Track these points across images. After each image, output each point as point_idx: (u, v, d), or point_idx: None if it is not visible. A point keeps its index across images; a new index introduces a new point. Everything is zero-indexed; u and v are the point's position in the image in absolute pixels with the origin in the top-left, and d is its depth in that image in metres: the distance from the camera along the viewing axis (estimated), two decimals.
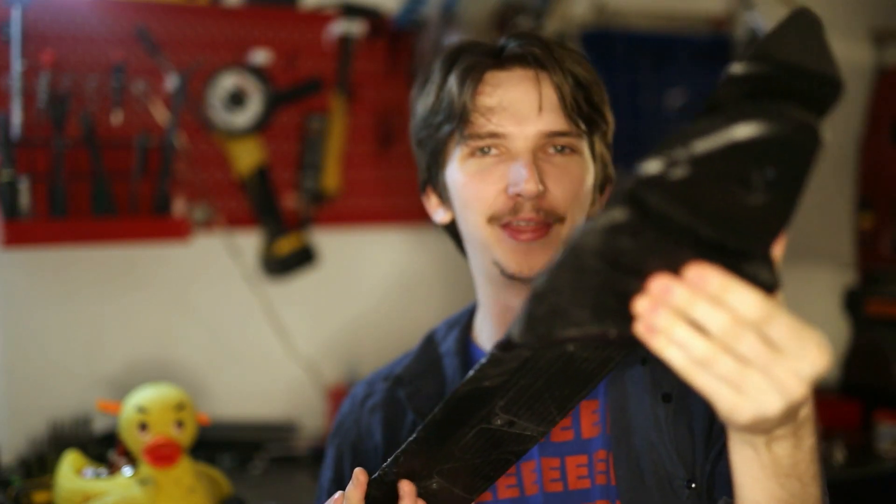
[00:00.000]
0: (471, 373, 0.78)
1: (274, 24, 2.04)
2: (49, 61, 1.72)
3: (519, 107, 0.98)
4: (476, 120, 0.98)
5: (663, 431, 0.95)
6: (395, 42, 2.15)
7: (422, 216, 2.23)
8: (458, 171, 1.01)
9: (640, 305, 0.61)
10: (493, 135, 0.98)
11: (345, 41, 2.06)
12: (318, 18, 2.08)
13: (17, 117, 1.69)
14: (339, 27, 2.05)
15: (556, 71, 0.98)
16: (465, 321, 1.12)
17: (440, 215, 1.09)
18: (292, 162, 2.09)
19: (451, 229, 1.09)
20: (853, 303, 2.51)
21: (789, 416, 0.63)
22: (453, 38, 2.04)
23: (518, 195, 0.97)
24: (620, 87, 2.26)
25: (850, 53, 2.73)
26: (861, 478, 2.01)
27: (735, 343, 0.59)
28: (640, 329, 0.61)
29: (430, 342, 1.13)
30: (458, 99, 0.99)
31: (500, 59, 1.01)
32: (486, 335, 1.08)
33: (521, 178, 0.96)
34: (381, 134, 2.17)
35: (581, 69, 1.00)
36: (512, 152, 0.98)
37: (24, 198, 1.71)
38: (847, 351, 2.49)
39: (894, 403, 2.21)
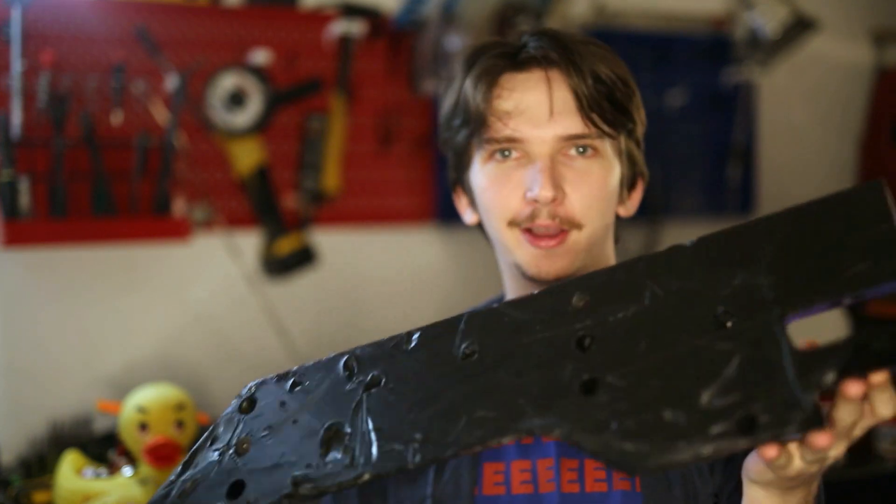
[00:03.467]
0: None
1: (274, 24, 2.04)
2: (49, 61, 1.72)
3: (535, 110, 0.97)
4: (493, 124, 0.98)
5: None
6: (395, 42, 2.15)
7: (421, 216, 2.25)
8: (479, 173, 1.01)
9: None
10: (511, 139, 0.98)
11: (345, 41, 2.06)
12: (318, 18, 2.08)
13: (17, 117, 1.69)
14: (339, 27, 2.05)
15: (573, 71, 0.96)
16: None
17: (469, 216, 1.08)
18: (292, 162, 2.09)
19: (481, 229, 1.09)
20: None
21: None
22: (453, 39, 2.05)
23: (535, 200, 0.96)
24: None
25: (850, 53, 2.74)
26: (861, 478, 2.01)
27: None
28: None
29: None
30: (473, 102, 0.98)
31: (516, 61, 0.99)
32: None
33: (537, 183, 0.95)
34: (381, 134, 2.17)
35: (605, 67, 0.98)
36: (531, 156, 0.98)
37: (24, 198, 1.71)
38: None
39: None
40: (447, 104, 1.04)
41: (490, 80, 0.98)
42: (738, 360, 0.64)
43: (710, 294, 0.67)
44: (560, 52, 0.97)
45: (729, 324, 0.65)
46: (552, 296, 0.73)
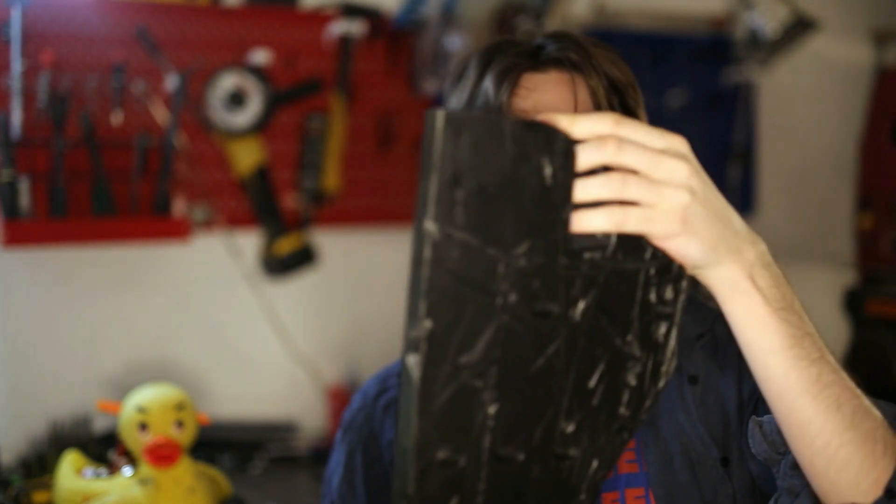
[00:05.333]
0: None
1: (274, 24, 2.04)
2: (49, 61, 1.72)
3: (554, 111, 0.95)
4: None
5: (692, 413, 0.95)
6: (395, 42, 2.15)
7: None
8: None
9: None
10: None
11: (345, 41, 2.06)
12: (318, 18, 2.08)
13: (17, 117, 1.69)
14: (339, 27, 2.05)
15: (591, 74, 0.97)
16: None
17: None
18: (292, 162, 2.09)
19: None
20: (853, 303, 2.51)
21: (726, 237, 0.72)
22: (453, 39, 2.05)
23: None
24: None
25: (850, 53, 2.74)
26: None
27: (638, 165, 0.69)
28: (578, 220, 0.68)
29: None
30: (494, 100, 0.98)
31: (536, 62, 0.99)
32: None
33: None
34: (381, 134, 2.17)
35: (617, 71, 0.99)
36: None
37: (24, 198, 1.71)
38: (847, 351, 2.49)
39: (894, 403, 2.21)
40: (458, 98, 1.03)
41: (513, 78, 0.98)
42: None
43: None
44: (580, 56, 0.98)
45: None
46: None
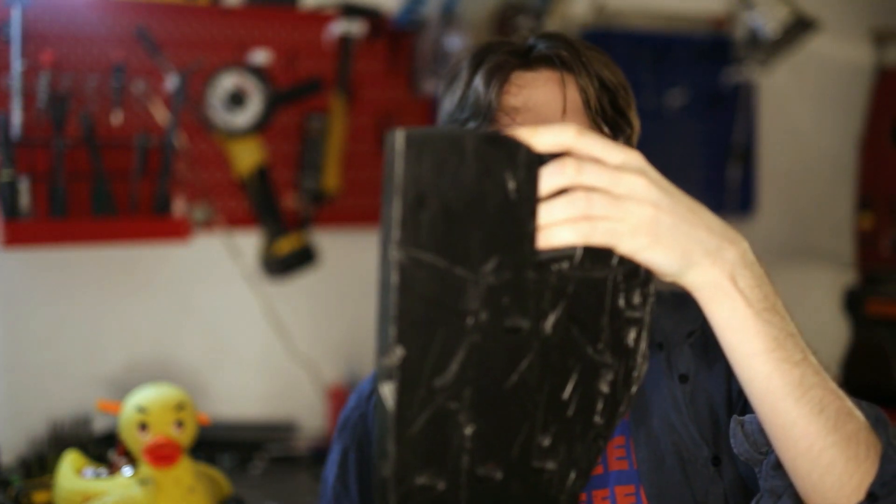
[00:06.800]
0: None
1: (274, 24, 2.04)
2: (49, 61, 1.72)
3: (544, 108, 0.97)
4: (501, 119, 0.98)
5: (682, 412, 0.95)
6: (395, 42, 2.15)
7: None
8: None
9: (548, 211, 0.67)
10: None
11: (345, 41, 2.06)
12: (318, 18, 2.08)
13: (17, 117, 1.69)
14: (339, 27, 2.05)
15: (582, 74, 0.98)
16: None
17: None
18: (292, 162, 2.09)
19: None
20: (853, 303, 2.51)
21: (704, 246, 0.72)
22: (453, 39, 2.05)
23: None
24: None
25: (850, 53, 2.74)
26: None
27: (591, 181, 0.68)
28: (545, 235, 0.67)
29: None
30: (483, 97, 0.98)
31: (527, 60, 1.00)
32: None
33: None
34: (381, 134, 2.17)
35: (608, 72, 1.00)
36: None
37: (24, 198, 1.71)
38: (847, 351, 2.49)
39: (894, 403, 2.21)
40: (451, 99, 1.04)
41: (502, 76, 0.98)
42: None
43: None
44: (571, 55, 0.98)
45: None
46: None
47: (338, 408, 2.04)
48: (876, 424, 0.79)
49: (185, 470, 1.24)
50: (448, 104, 1.05)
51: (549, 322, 0.68)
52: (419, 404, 0.62)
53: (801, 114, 2.74)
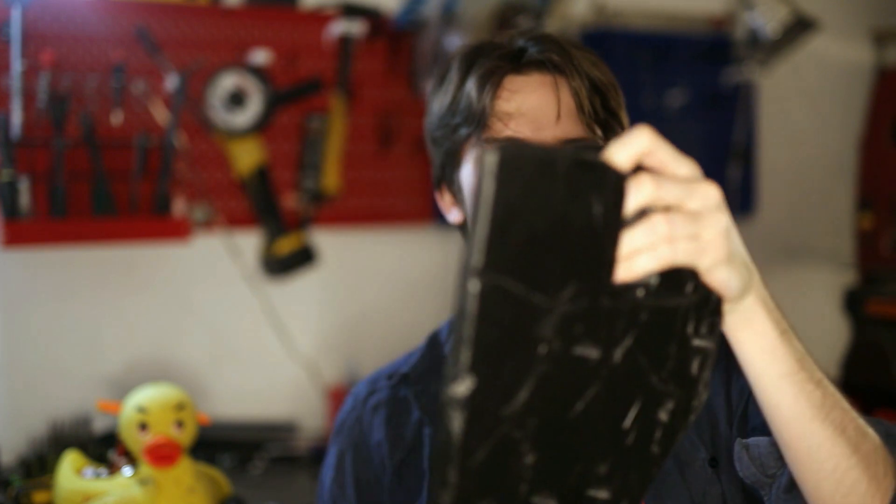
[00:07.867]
0: None
1: (274, 24, 2.04)
2: (49, 61, 1.72)
3: (537, 113, 0.97)
4: (494, 125, 0.98)
5: None
6: (395, 42, 2.15)
7: (421, 216, 2.25)
8: (473, 172, 1.01)
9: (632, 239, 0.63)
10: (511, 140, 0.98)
11: (345, 41, 2.06)
12: (318, 18, 2.08)
13: (17, 117, 1.69)
14: (339, 27, 2.05)
15: (574, 77, 0.97)
16: None
17: (454, 215, 1.08)
18: (292, 162, 2.09)
19: (464, 230, 1.08)
20: (853, 303, 2.51)
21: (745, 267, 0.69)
22: (454, 39, 2.04)
23: None
24: (620, 87, 2.26)
25: (850, 53, 2.74)
26: None
27: (685, 202, 0.64)
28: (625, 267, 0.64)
29: (434, 342, 1.13)
30: (476, 103, 0.98)
31: (518, 64, 1.00)
32: None
33: None
34: (381, 134, 2.17)
35: (598, 73, 0.99)
36: None
37: (24, 198, 1.71)
38: (847, 351, 2.49)
39: (894, 403, 2.21)
40: (441, 103, 1.04)
41: (495, 81, 0.98)
42: None
43: None
44: (562, 58, 0.98)
45: None
46: None
47: (338, 408, 2.04)
48: (887, 440, 0.79)
49: (185, 470, 1.24)
50: (437, 107, 1.05)
51: (620, 351, 0.65)
52: (484, 433, 0.60)
53: (800, 114, 2.74)
